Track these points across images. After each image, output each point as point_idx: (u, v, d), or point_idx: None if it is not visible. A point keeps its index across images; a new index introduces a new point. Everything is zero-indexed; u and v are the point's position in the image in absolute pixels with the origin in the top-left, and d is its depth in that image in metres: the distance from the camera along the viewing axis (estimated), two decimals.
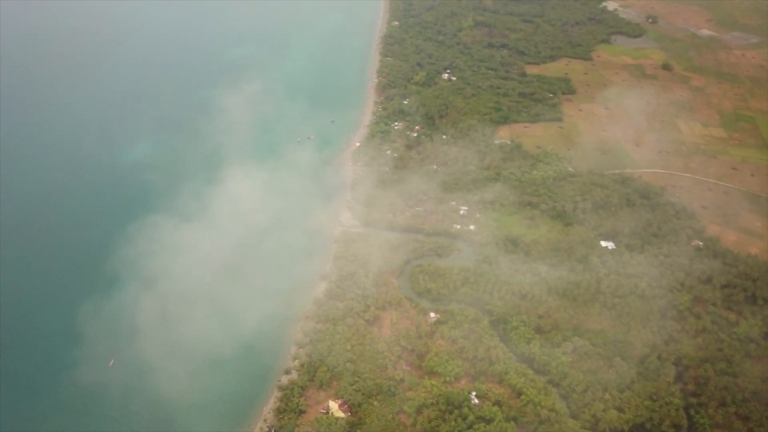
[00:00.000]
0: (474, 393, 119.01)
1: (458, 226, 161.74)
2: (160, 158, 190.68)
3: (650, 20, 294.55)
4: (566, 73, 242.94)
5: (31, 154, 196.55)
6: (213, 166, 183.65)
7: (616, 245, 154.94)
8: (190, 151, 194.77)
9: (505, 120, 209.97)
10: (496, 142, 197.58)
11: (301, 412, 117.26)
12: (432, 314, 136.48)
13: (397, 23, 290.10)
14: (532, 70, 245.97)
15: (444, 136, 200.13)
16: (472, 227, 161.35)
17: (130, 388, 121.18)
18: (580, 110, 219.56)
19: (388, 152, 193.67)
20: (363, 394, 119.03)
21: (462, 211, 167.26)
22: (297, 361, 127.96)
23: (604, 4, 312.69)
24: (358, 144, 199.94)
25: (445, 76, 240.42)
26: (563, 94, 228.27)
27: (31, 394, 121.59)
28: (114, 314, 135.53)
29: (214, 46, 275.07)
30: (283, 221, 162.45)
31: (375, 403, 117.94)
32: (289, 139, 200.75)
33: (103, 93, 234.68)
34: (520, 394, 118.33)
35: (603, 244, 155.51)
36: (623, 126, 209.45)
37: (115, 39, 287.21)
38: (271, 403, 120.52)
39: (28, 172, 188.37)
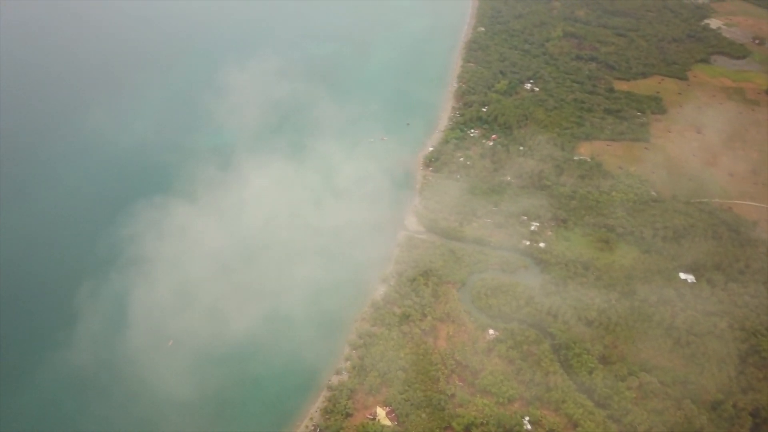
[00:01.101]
0: (527, 418, 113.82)
1: (527, 242, 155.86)
2: (237, 149, 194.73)
3: (757, 41, 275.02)
4: (658, 92, 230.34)
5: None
6: (282, 161, 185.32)
7: (696, 279, 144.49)
8: (259, 144, 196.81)
9: (587, 136, 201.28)
10: (575, 158, 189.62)
11: (348, 414, 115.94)
12: (491, 331, 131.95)
13: (483, 29, 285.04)
14: (620, 86, 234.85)
15: (521, 148, 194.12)
16: (542, 245, 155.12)
17: (176, 374, 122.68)
18: (669, 132, 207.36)
19: (461, 159, 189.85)
20: (412, 405, 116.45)
21: (533, 227, 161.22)
22: (349, 362, 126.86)
23: (706, 21, 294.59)
24: (431, 149, 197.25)
25: (528, 86, 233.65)
26: (652, 113, 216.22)
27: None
28: (168, 299, 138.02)
29: (299, 41, 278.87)
30: (347, 220, 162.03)
31: (423, 415, 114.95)
32: (362, 139, 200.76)
33: (188, 85, 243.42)
34: (576, 425, 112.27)
35: (682, 276, 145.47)
36: (716, 152, 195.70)
37: (206, 33, 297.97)
38: (319, 402, 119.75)
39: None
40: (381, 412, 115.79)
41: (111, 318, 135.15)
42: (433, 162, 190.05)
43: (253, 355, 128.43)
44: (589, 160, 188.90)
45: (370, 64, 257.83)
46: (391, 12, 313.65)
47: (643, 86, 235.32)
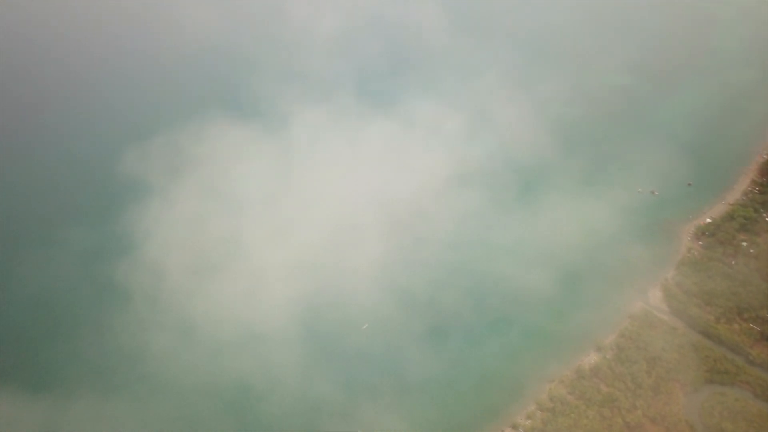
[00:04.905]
0: None
1: None
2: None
3: None
4: None
5: None
6: (531, 184, 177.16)
7: None
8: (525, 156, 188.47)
9: None
10: None
11: None
12: None
13: None
14: None
15: None
16: None
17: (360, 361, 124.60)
18: None
19: (744, 244, 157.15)
20: None
21: None
22: (530, 421, 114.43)
23: None
24: (708, 220, 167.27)
25: None
26: None
27: None
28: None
29: (593, 66, 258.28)
30: (580, 265, 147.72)
31: None
32: (628, 184, 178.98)
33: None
34: None
35: None
36: None
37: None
38: None
39: None
40: None
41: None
42: (706, 236, 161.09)
43: (432, 379, 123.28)
44: None
45: (664, 107, 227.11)
46: (711, 54, 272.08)
47: None
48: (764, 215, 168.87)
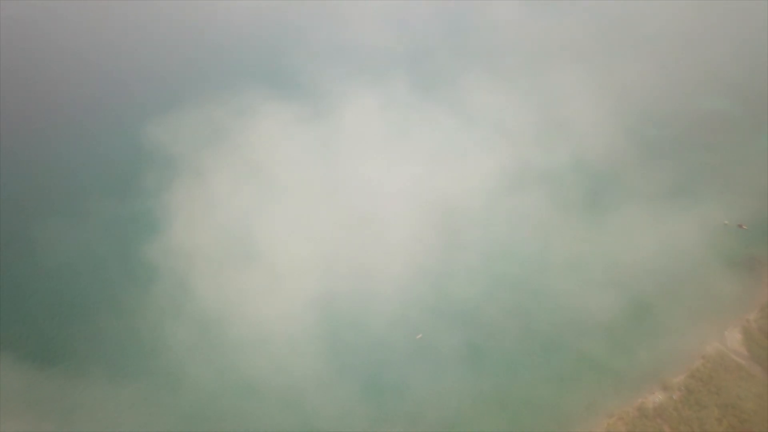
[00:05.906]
0: None
1: None
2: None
3: None
4: None
5: None
6: (600, 194, 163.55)
7: None
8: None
9: None
10: None
11: None
12: None
13: None
14: None
15: None
16: None
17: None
18: None
19: None
20: None
21: None
22: None
23: None
24: None
25: None
26: None
27: None
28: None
29: (693, 78, 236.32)
30: (649, 292, 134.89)
31: None
32: (712, 213, 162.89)
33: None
34: None
35: None
36: None
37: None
38: None
39: None
40: None
41: None
42: None
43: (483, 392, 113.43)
44: None
45: (761, 138, 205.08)
46: None
47: None
48: None
